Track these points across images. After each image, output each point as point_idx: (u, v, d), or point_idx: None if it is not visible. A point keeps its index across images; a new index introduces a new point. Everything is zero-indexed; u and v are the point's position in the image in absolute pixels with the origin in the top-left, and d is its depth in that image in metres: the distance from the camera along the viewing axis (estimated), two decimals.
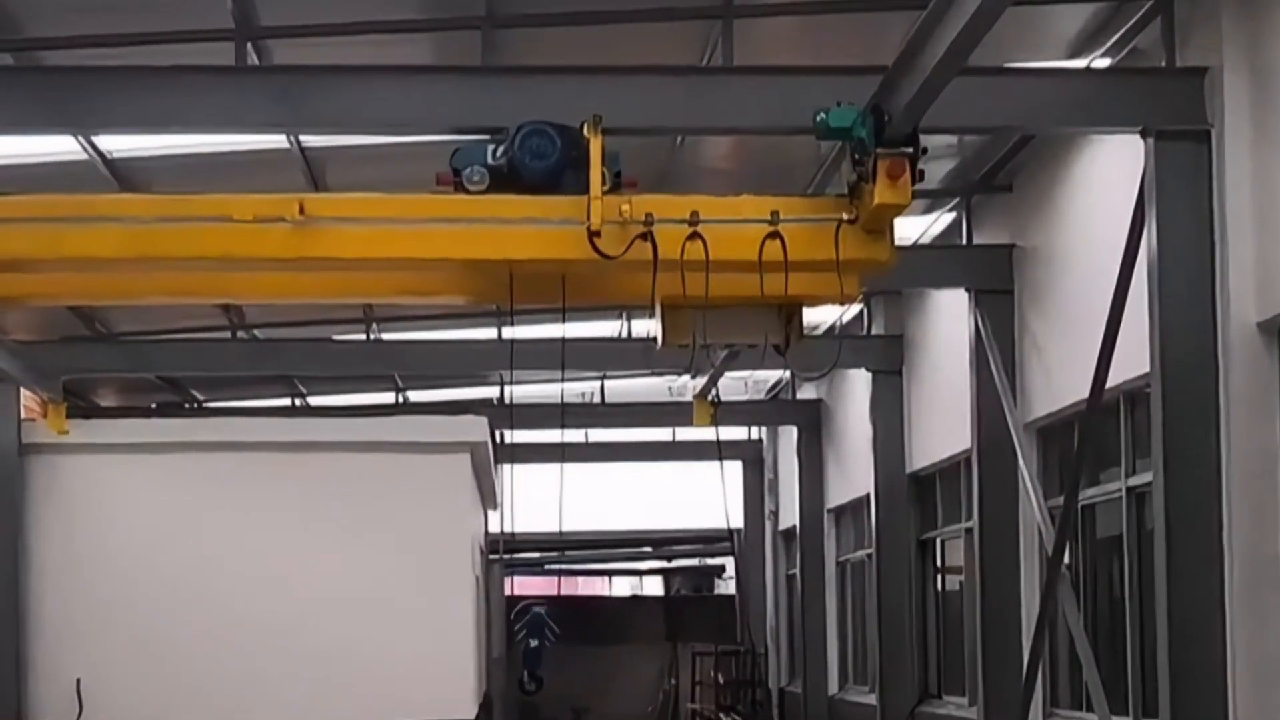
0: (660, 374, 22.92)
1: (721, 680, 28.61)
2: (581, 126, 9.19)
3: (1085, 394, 12.26)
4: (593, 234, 9.07)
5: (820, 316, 20.73)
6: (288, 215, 9.13)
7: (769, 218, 9.20)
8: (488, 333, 20.61)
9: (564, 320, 11.04)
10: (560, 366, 16.83)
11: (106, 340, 19.27)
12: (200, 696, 17.34)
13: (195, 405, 24.82)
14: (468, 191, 9.32)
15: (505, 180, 9.34)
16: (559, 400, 24.73)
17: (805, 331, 10.23)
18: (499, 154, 9.35)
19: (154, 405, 24.22)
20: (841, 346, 18.45)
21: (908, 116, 8.54)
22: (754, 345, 10.15)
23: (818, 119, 8.88)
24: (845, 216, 9.20)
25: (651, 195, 9.37)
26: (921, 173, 8.80)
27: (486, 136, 9.61)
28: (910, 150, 8.70)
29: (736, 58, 10.79)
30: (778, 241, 9.15)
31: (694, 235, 9.15)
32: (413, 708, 17.32)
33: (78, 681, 17.22)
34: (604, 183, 9.12)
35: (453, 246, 9.30)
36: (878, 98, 8.71)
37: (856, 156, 8.90)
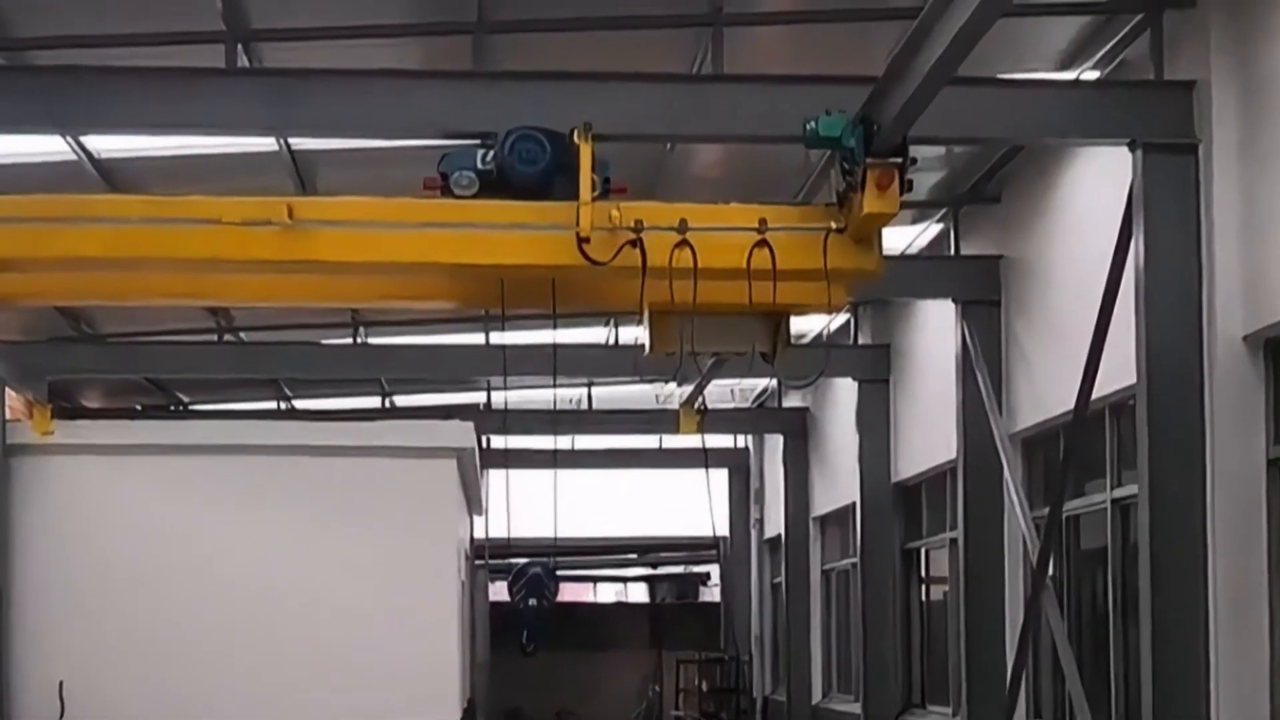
0: (647, 381, 22.92)
1: (705, 688, 28.63)
2: (571, 133, 9.20)
3: (1071, 405, 12.28)
4: (581, 240, 9.06)
5: (807, 325, 20.76)
6: (276, 218, 9.11)
7: (757, 226, 9.20)
8: (475, 338, 20.60)
9: (555, 326, 11.05)
10: (550, 372, 16.82)
11: (92, 341, 19.25)
12: (184, 699, 17.27)
13: (181, 408, 24.79)
14: (456, 196, 9.31)
15: (494, 185, 9.31)
16: (547, 406, 24.70)
17: (792, 340, 10.23)
18: (488, 159, 9.33)
19: (139, 407, 24.17)
20: (829, 355, 18.45)
21: (897, 126, 8.56)
22: (741, 353, 10.15)
23: (807, 128, 8.88)
24: (833, 226, 9.20)
25: (641, 202, 9.36)
26: (910, 183, 8.81)
27: (476, 141, 9.60)
28: (899, 160, 8.71)
29: (726, 66, 10.81)
30: (766, 250, 9.16)
31: (683, 242, 9.15)
32: (396, 712, 17.28)
33: (60, 684, 17.15)
34: (593, 189, 9.12)
35: (440, 251, 9.29)
36: (867, 107, 8.72)
37: (845, 166, 8.90)
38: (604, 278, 9.45)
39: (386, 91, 10.50)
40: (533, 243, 9.22)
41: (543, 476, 20.21)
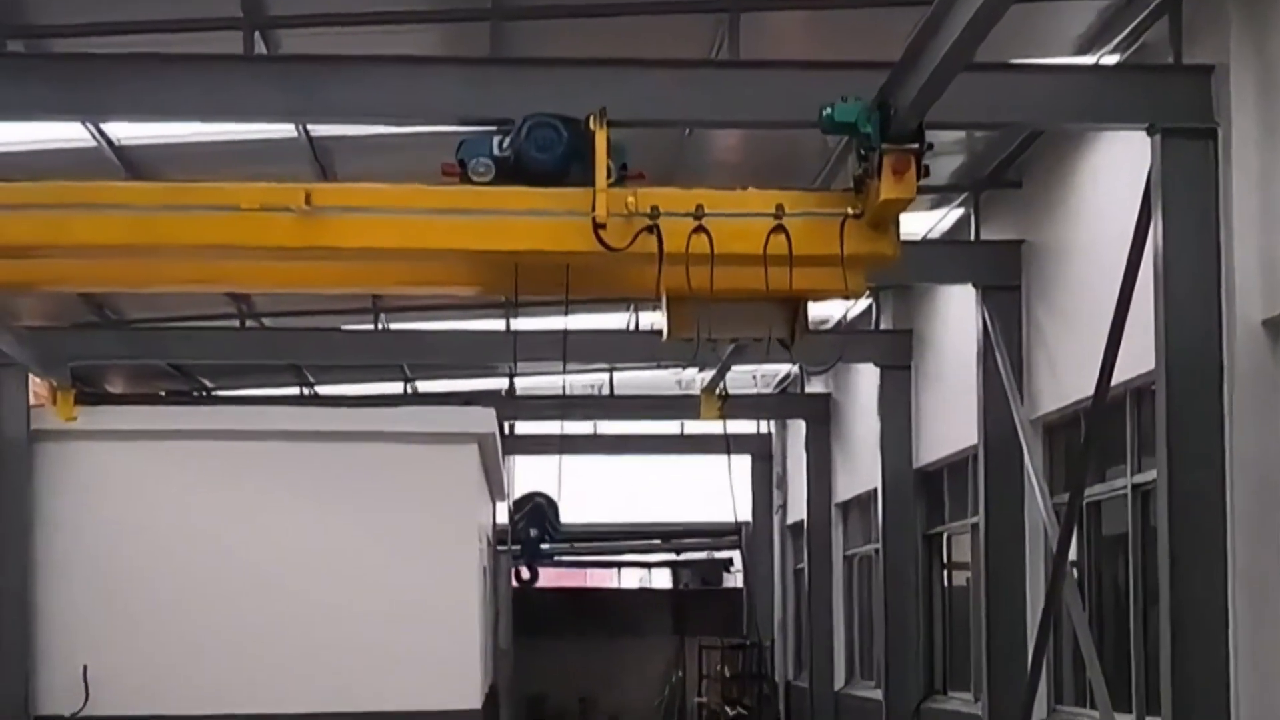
0: (667, 367, 22.92)
1: (728, 674, 28.61)
2: (587, 119, 9.20)
3: (1091, 390, 12.25)
4: (598, 226, 9.08)
5: (829, 311, 20.75)
6: (294, 205, 9.15)
7: (774, 212, 9.22)
8: (496, 324, 20.62)
9: (566, 312, 11.06)
10: (573, 357, 16.84)
11: (115, 327, 19.31)
12: (207, 684, 17.39)
13: (204, 393, 24.87)
14: (473, 182, 9.33)
15: (511, 172, 9.34)
16: (568, 391, 24.75)
17: (812, 326, 10.22)
18: (505, 145, 9.36)
19: (162, 393, 24.26)
20: (847, 341, 18.41)
21: (914, 112, 8.55)
22: (759, 339, 10.16)
23: (824, 113, 8.88)
24: (850, 211, 9.20)
25: (657, 188, 9.37)
26: (927, 168, 8.80)
27: (493, 128, 9.62)
28: (916, 146, 8.70)
29: (743, 51, 10.80)
30: (783, 235, 9.17)
31: (699, 228, 9.16)
32: (418, 698, 17.35)
33: (84, 668, 17.26)
34: (610, 175, 9.13)
35: (458, 237, 9.32)
36: (884, 93, 8.71)
37: (862, 151, 8.91)
38: (621, 264, 9.47)
39: (404, 78, 10.49)
40: (549, 229, 9.24)
41: (566, 461, 20.32)
